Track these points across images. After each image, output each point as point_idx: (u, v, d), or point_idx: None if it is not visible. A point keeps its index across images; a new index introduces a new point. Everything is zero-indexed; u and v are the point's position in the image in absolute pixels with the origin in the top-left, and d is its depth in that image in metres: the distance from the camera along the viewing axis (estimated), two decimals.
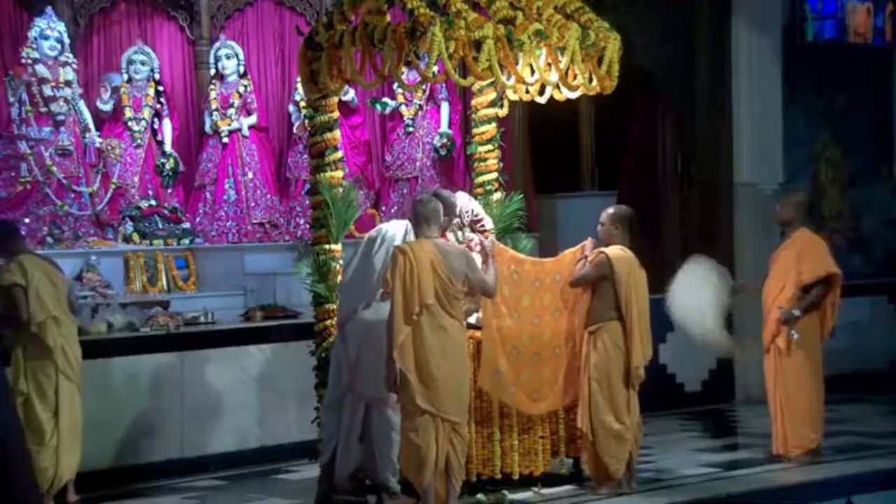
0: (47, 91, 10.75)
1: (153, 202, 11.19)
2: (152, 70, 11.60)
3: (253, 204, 11.62)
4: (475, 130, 8.95)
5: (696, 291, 8.55)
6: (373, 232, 7.81)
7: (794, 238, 8.87)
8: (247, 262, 11.12)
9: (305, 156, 9.66)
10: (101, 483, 8.39)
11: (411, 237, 7.52)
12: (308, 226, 9.67)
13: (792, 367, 8.72)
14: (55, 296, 7.88)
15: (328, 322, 8.07)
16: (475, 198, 8.61)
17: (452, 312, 7.21)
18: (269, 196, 11.73)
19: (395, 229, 7.69)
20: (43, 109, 10.78)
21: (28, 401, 7.74)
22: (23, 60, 10.77)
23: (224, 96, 11.77)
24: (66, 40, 10.98)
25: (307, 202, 9.45)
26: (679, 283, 8.55)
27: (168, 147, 11.57)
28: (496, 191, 8.85)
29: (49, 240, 10.47)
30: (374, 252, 7.60)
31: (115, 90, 11.42)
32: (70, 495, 7.99)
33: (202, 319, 9.49)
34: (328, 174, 8.04)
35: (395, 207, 11.95)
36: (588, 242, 8.14)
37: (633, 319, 7.88)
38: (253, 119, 11.84)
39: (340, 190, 8.07)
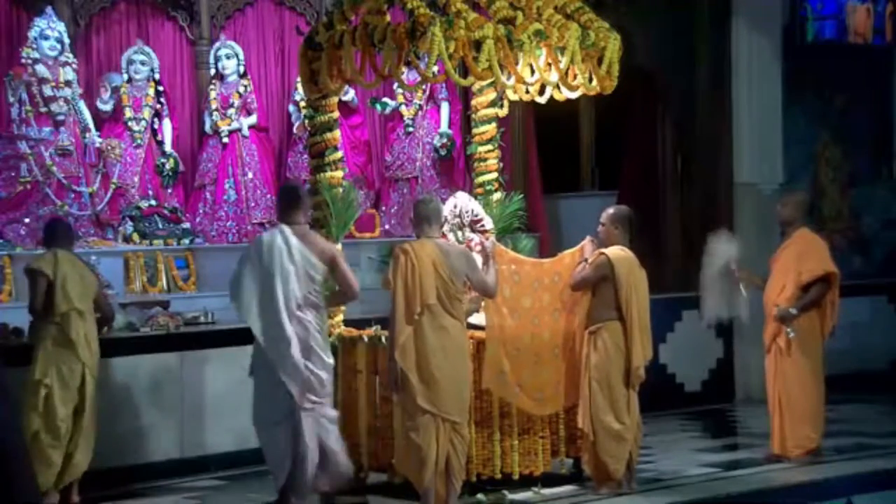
0: (47, 91, 10.74)
1: (153, 202, 11.18)
2: (152, 70, 11.59)
3: (253, 204, 11.61)
4: (475, 130, 8.95)
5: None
6: (249, 249, 7.49)
7: (794, 238, 8.88)
8: None
9: (305, 156, 9.66)
10: (101, 483, 8.38)
11: (293, 241, 7.23)
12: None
13: (792, 367, 8.72)
14: (82, 291, 7.95)
15: (328, 322, 8.07)
16: (475, 198, 8.61)
17: (453, 312, 7.22)
18: (269, 196, 11.71)
19: (273, 238, 7.30)
20: (43, 109, 10.77)
21: (50, 394, 7.79)
22: (23, 60, 10.75)
23: (224, 96, 11.77)
24: (66, 40, 10.96)
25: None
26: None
27: (168, 147, 11.56)
28: (496, 191, 8.85)
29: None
30: (266, 265, 7.23)
31: (115, 90, 11.41)
32: (73, 495, 8.00)
33: (202, 319, 9.49)
34: (328, 174, 8.05)
35: (395, 207, 11.95)
36: (587, 243, 8.14)
37: (633, 319, 7.88)
38: (253, 119, 11.83)
39: (340, 190, 8.07)
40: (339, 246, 8.04)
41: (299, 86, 10.34)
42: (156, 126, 11.55)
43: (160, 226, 11.01)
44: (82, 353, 7.87)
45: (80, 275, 8.02)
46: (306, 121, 8.86)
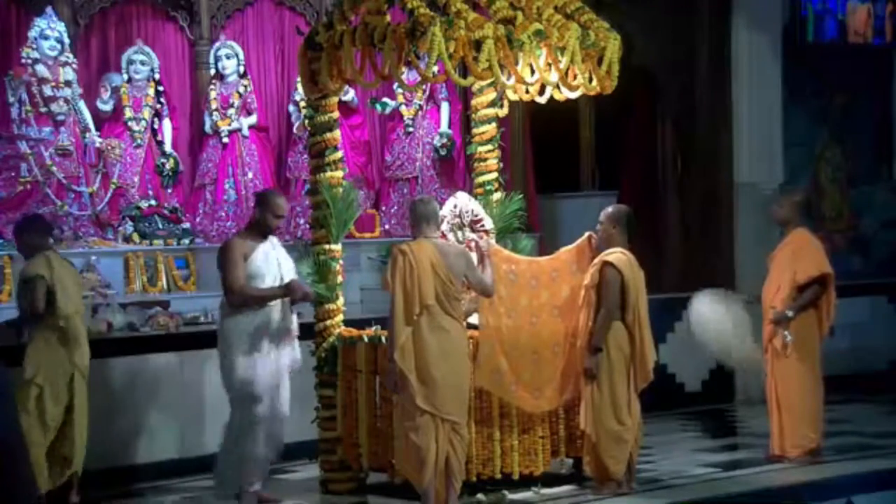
0: (47, 91, 10.75)
1: (153, 202, 11.18)
2: (152, 70, 11.59)
3: (253, 204, 11.60)
4: (475, 130, 8.95)
5: (715, 323, 8.65)
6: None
7: (790, 238, 8.88)
8: None
9: (305, 156, 9.66)
10: (102, 483, 8.39)
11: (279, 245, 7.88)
12: (308, 226, 9.67)
13: (790, 367, 8.72)
14: (77, 292, 7.97)
15: (328, 322, 8.08)
16: (475, 198, 8.61)
17: (452, 313, 7.22)
18: None
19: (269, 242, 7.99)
20: (43, 109, 10.77)
21: (41, 395, 7.78)
22: (23, 60, 10.76)
23: (224, 96, 11.77)
24: (66, 40, 10.96)
25: (307, 202, 9.45)
26: (700, 317, 8.67)
27: (168, 147, 11.57)
28: (496, 191, 8.85)
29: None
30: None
31: (115, 90, 11.41)
32: (72, 495, 7.98)
33: (202, 319, 9.49)
34: (328, 174, 8.05)
35: (395, 207, 11.95)
36: (585, 242, 8.13)
37: (641, 320, 7.87)
38: (253, 119, 11.84)
39: (340, 190, 8.07)
40: (338, 246, 8.07)
41: (299, 86, 10.34)
42: (156, 126, 11.55)
43: (160, 226, 11.01)
44: (76, 353, 7.85)
45: (73, 276, 8.02)
46: (306, 121, 8.86)
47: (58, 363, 7.84)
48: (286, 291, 7.68)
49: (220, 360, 7.75)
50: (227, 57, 11.81)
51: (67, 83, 10.88)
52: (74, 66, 11.02)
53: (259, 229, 7.82)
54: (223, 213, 11.64)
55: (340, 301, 8.15)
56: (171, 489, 8.58)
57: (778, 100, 12.22)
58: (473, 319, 7.85)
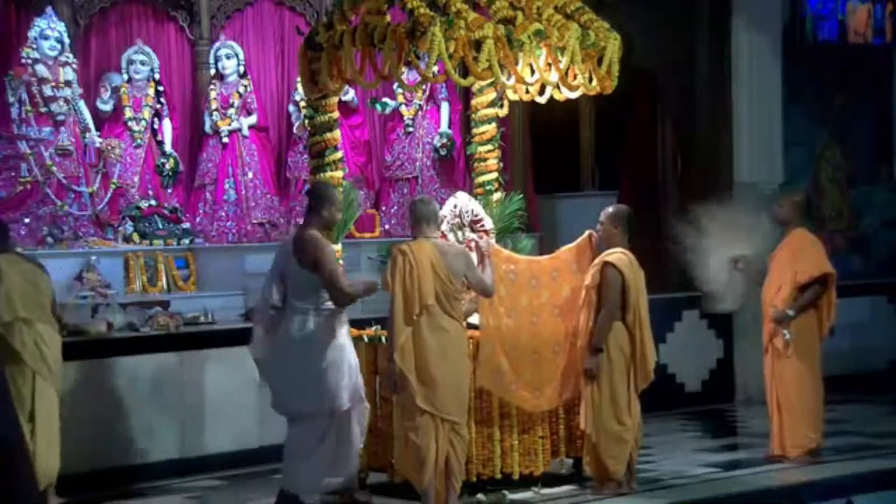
0: (47, 91, 10.74)
1: (153, 202, 11.18)
2: (152, 70, 11.59)
3: (253, 204, 11.62)
4: (475, 130, 8.95)
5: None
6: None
7: (790, 238, 8.89)
8: (247, 262, 11.09)
9: (305, 156, 9.66)
10: (102, 483, 8.38)
11: None
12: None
13: (790, 367, 8.72)
14: (34, 298, 7.76)
15: None
16: (475, 198, 8.61)
17: (452, 313, 7.22)
18: (269, 196, 11.72)
19: None
20: (43, 109, 10.77)
21: None
22: (23, 60, 10.75)
23: (224, 96, 11.77)
24: (66, 40, 10.96)
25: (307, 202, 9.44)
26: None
27: (168, 147, 11.56)
28: (496, 191, 8.85)
29: (49, 240, 10.46)
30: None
31: (115, 90, 11.41)
32: (50, 500, 7.77)
33: (202, 319, 9.49)
34: (328, 174, 8.05)
35: (395, 207, 11.95)
36: (585, 241, 8.14)
37: (641, 321, 7.87)
38: (253, 119, 11.83)
39: (340, 190, 8.07)
40: (338, 246, 8.06)
41: (299, 86, 10.34)
42: (156, 126, 11.55)
43: (160, 226, 11.01)
44: (29, 360, 7.63)
45: (31, 280, 7.78)
46: (306, 121, 8.86)
47: (17, 371, 7.58)
48: (374, 287, 7.48)
49: (312, 372, 7.21)
50: (227, 57, 11.81)
51: (67, 83, 10.88)
52: (74, 66, 11.01)
53: (325, 224, 7.44)
54: (223, 213, 11.64)
55: None
56: (171, 489, 8.58)
57: (778, 100, 12.21)
58: (473, 319, 7.85)
